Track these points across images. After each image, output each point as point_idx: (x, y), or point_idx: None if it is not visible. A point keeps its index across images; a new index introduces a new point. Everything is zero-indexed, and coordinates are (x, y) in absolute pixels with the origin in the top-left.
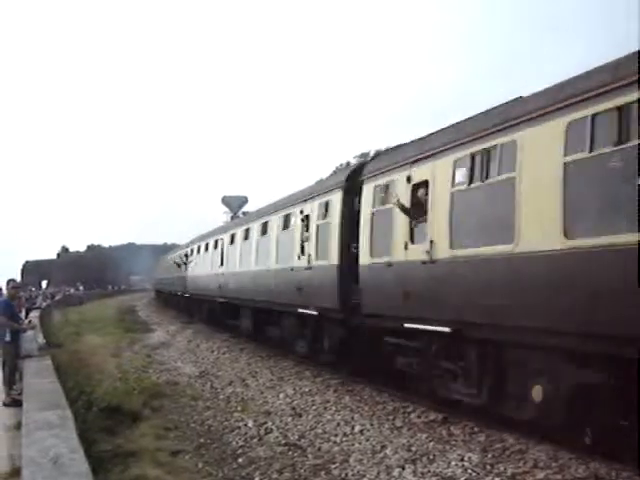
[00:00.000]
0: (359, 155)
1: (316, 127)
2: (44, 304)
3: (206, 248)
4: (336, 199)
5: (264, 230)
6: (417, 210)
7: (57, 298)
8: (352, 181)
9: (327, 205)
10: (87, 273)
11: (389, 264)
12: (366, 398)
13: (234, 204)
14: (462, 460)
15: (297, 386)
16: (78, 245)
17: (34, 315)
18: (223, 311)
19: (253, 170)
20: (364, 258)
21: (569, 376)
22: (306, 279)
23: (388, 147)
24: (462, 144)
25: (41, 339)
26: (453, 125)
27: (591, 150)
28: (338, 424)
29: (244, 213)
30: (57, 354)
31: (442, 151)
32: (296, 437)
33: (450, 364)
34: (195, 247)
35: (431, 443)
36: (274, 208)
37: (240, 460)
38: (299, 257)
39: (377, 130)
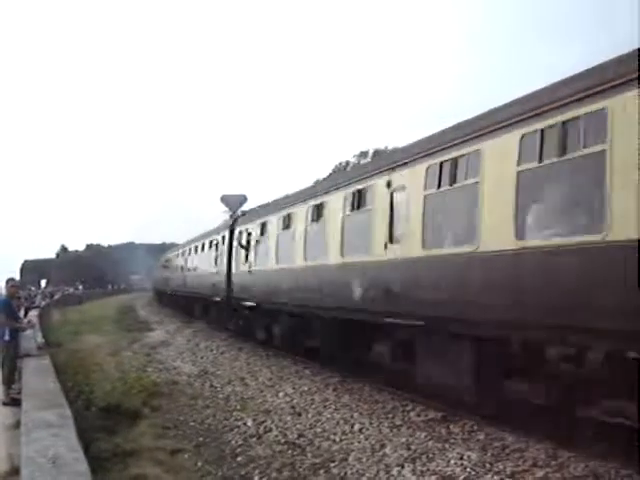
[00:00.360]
0: (358, 154)
1: (316, 125)
2: (43, 303)
3: (177, 256)
4: (226, 235)
5: (202, 248)
6: (248, 246)
7: (56, 297)
8: (234, 225)
9: (223, 238)
10: (86, 272)
11: (246, 272)
12: (365, 397)
13: (233, 203)
14: (461, 459)
15: (296, 385)
16: (77, 244)
17: (33, 314)
18: (188, 302)
19: (252, 168)
20: (234, 269)
21: (287, 322)
22: (216, 280)
23: (386, 146)
24: (257, 218)
25: (40, 338)
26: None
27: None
28: (337, 423)
29: (243, 212)
30: (56, 353)
31: (254, 218)
32: (295, 436)
33: (257, 321)
34: (172, 255)
35: (430, 442)
36: (205, 236)
37: (239, 459)
38: (213, 266)
39: (376, 129)
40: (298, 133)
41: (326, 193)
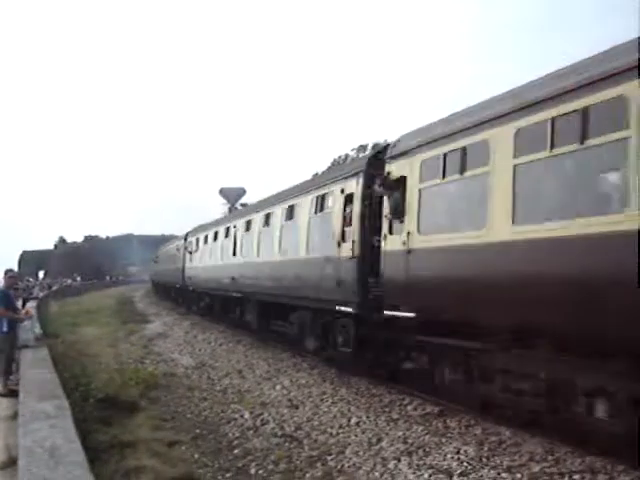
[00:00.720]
0: (357, 148)
1: (315, 119)
2: (41, 294)
3: (162, 253)
4: (183, 242)
5: (172, 250)
6: (192, 251)
7: (54, 289)
8: (187, 236)
9: (184, 242)
10: (84, 264)
11: (191, 267)
12: (362, 390)
13: (232, 196)
14: (458, 453)
15: (294, 378)
16: (75, 236)
17: (31, 305)
18: (167, 288)
19: (251, 161)
20: (186, 266)
21: (207, 299)
22: (179, 273)
23: (385, 140)
24: (196, 234)
25: (38, 329)
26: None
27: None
28: (334, 416)
29: (242, 204)
30: (54, 344)
31: (195, 234)
32: (292, 429)
33: (194, 299)
34: (160, 252)
35: (427, 436)
36: (172, 241)
37: (236, 451)
38: (177, 263)
39: (375, 122)
40: (297, 126)
41: (217, 225)
